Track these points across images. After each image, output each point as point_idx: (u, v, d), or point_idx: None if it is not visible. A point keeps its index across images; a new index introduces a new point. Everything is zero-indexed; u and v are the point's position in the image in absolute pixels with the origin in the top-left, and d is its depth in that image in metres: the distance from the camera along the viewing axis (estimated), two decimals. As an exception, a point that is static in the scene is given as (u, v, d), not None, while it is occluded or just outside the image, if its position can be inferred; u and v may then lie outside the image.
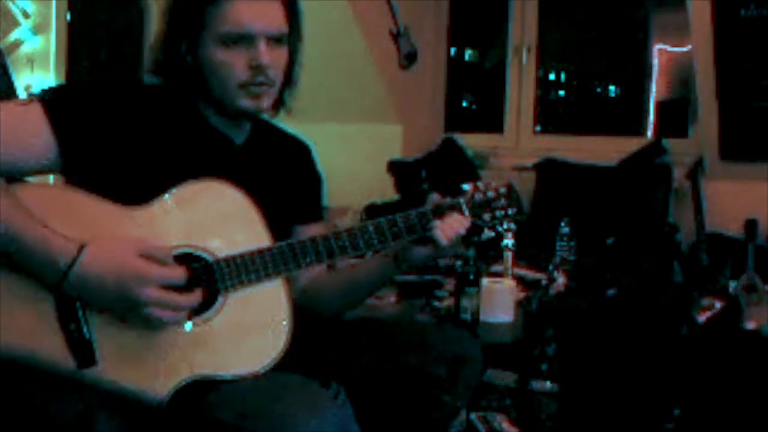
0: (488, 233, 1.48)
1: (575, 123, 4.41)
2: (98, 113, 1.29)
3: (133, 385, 1.22)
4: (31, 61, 3.31)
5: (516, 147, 3.80)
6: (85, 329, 1.21)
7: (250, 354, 1.28)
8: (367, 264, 1.54)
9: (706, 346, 2.40)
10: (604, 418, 2.38)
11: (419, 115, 3.96)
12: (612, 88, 4.33)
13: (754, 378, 2.28)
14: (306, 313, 1.45)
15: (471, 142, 3.72)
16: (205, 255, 1.29)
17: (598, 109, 4.36)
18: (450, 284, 2.36)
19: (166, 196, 1.29)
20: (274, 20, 1.36)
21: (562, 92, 4.44)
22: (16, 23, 3.28)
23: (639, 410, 2.36)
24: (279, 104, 1.46)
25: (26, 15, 3.29)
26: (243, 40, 1.33)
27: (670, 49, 3.77)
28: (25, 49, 3.31)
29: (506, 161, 3.62)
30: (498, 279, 2.27)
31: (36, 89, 3.14)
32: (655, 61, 3.83)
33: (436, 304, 2.23)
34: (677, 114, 3.61)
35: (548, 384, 2.37)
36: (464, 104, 4.46)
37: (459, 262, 2.10)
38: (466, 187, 1.47)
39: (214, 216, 1.31)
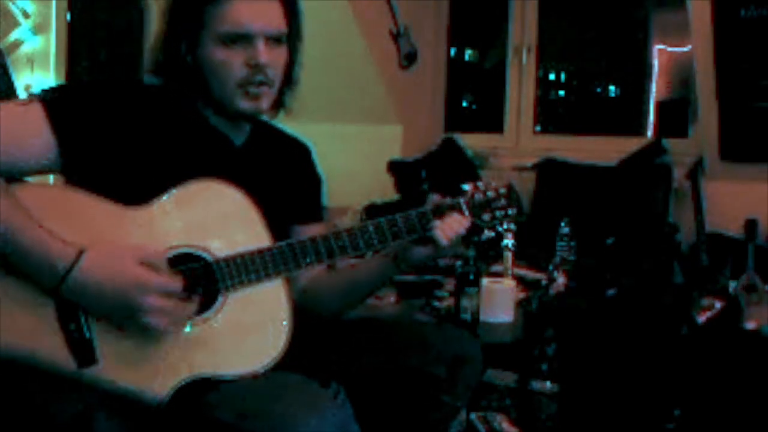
0: (488, 233, 1.48)
1: (575, 123, 4.40)
2: (98, 113, 1.29)
3: (132, 384, 1.22)
4: (31, 61, 3.30)
5: (516, 147, 3.79)
6: (85, 329, 1.21)
7: (249, 354, 1.28)
8: (367, 264, 1.54)
9: (706, 346, 2.40)
10: (604, 418, 2.38)
11: (419, 115, 3.96)
12: (612, 88, 4.33)
13: (754, 378, 2.28)
14: (306, 313, 1.45)
15: (471, 142, 3.72)
16: (205, 255, 1.29)
17: (598, 109, 4.36)
18: (450, 284, 2.35)
19: (166, 196, 1.29)
20: (273, 20, 1.36)
21: (562, 92, 4.44)
22: (16, 23, 3.27)
23: (639, 410, 2.36)
24: (279, 104, 1.46)
25: (26, 15, 3.29)
26: (242, 39, 1.33)
27: (670, 49, 3.77)
28: (25, 49, 3.31)
29: (506, 161, 3.62)
30: (498, 279, 2.27)
31: (36, 89, 3.15)
32: (655, 61, 3.83)
33: (436, 304, 2.23)
34: (677, 114, 3.60)
35: (548, 384, 2.36)
36: (464, 104, 4.46)
37: (459, 262, 2.10)
38: (466, 187, 1.47)
39: (214, 216, 1.31)
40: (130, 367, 1.22)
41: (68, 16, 3.44)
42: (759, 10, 2.86)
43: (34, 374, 1.19)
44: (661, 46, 3.82)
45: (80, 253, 1.18)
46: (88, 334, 1.21)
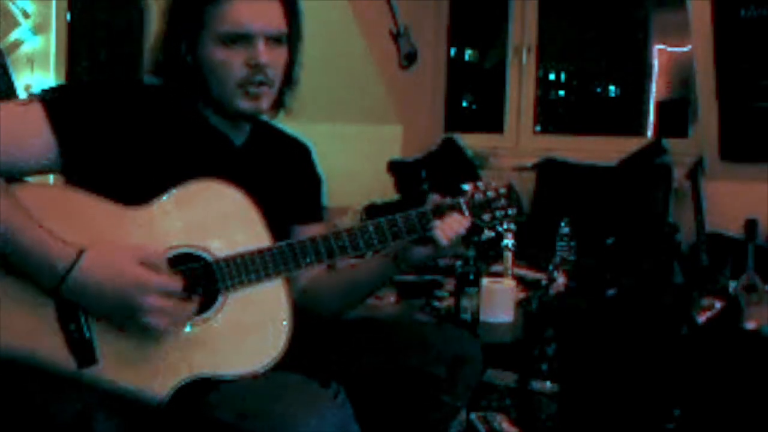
0: (488, 233, 1.48)
1: (575, 123, 4.41)
2: (98, 113, 1.29)
3: (132, 384, 1.22)
4: (31, 61, 3.30)
5: (516, 147, 3.79)
6: (85, 329, 1.21)
7: (249, 354, 1.28)
8: (367, 264, 1.54)
9: (706, 346, 2.40)
10: (604, 418, 2.38)
11: (419, 115, 3.96)
12: (612, 88, 4.33)
13: (754, 378, 2.28)
14: (306, 314, 1.45)
15: (471, 142, 3.72)
16: (204, 255, 1.29)
17: (598, 109, 4.36)
18: (450, 284, 2.35)
19: (166, 196, 1.29)
20: (273, 20, 1.36)
21: (562, 92, 4.44)
22: (16, 23, 3.27)
23: (639, 410, 2.36)
24: (279, 104, 1.46)
25: (26, 15, 3.29)
26: (242, 39, 1.33)
27: (670, 49, 3.77)
28: (25, 49, 3.31)
29: (506, 161, 3.62)
30: (498, 279, 2.27)
31: (36, 89, 3.14)
32: (655, 61, 3.83)
33: (436, 304, 2.23)
34: (677, 114, 3.60)
35: (548, 384, 2.36)
36: (464, 104, 4.46)
37: (459, 262, 2.10)
38: (466, 187, 1.47)
39: (213, 216, 1.31)
40: (130, 367, 1.22)
41: (68, 16, 3.44)
42: (759, 10, 2.86)
43: (34, 374, 1.18)
44: (661, 46, 3.82)
45: (80, 253, 1.18)
46: (88, 334, 1.21)
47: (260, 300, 1.31)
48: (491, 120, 3.97)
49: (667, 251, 2.88)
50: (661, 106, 3.80)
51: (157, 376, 1.23)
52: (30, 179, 1.28)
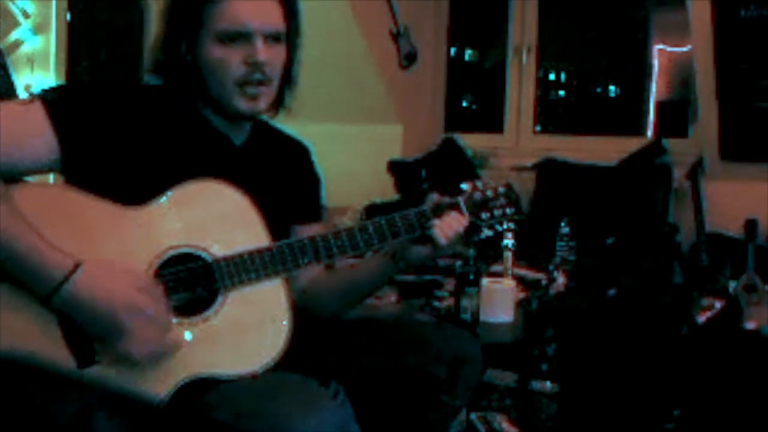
0: (487, 232, 1.48)
1: (575, 123, 4.41)
2: (99, 113, 1.29)
3: (132, 384, 1.22)
4: (31, 61, 3.30)
5: (516, 147, 3.79)
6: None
7: (249, 353, 1.28)
8: (366, 264, 1.54)
9: (706, 346, 2.40)
10: (604, 418, 2.38)
11: (419, 115, 3.96)
12: (612, 88, 4.33)
13: (754, 378, 2.28)
14: (306, 314, 1.45)
15: (471, 142, 3.72)
16: (204, 255, 1.29)
17: (598, 109, 4.36)
18: (450, 284, 2.35)
19: (166, 196, 1.29)
20: (272, 18, 1.36)
21: (562, 92, 4.44)
22: (16, 23, 3.27)
23: (639, 410, 2.36)
24: (278, 104, 1.46)
25: (26, 15, 3.29)
26: (240, 37, 1.33)
27: (670, 49, 3.77)
28: (25, 49, 3.31)
29: (506, 161, 3.62)
30: (498, 279, 2.27)
31: (36, 89, 3.14)
32: (655, 61, 3.83)
33: (436, 304, 2.23)
34: (677, 114, 3.61)
35: (548, 384, 2.36)
36: (464, 104, 4.46)
37: (459, 262, 2.10)
38: (465, 186, 1.47)
39: (213, 216, 1.31)
40: (130, 367, 1.22)
41: (68, 16, 3.44)
42: (759, 10, 2.86)
43: (34, 374, 1.18)
44: (661, 46, 3.82)
45: (76, 266, 1.17)
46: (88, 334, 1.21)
47: (260, 300, 1.31)
48: (491, 120, 3.97)
49: (667, 251, 2.88)
50: (661, 106, 3.80)
51: (156, 376, 1.23)
52: (30, 179, 1.28)
